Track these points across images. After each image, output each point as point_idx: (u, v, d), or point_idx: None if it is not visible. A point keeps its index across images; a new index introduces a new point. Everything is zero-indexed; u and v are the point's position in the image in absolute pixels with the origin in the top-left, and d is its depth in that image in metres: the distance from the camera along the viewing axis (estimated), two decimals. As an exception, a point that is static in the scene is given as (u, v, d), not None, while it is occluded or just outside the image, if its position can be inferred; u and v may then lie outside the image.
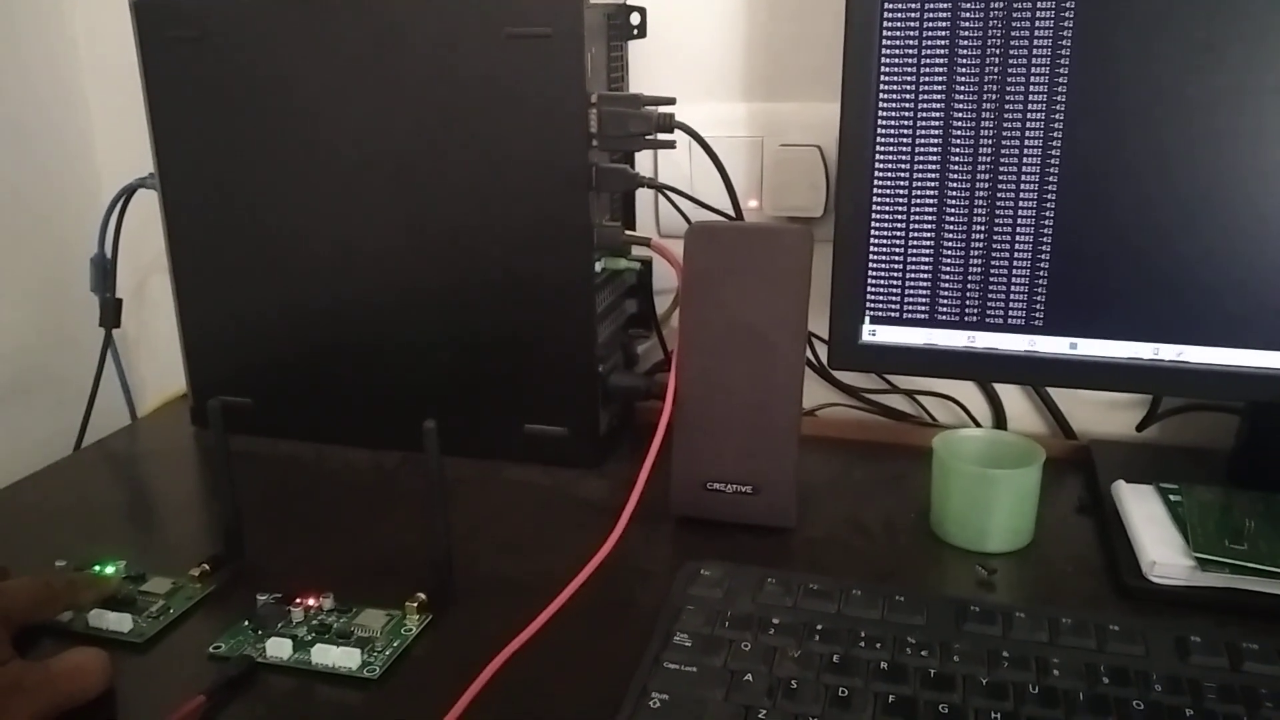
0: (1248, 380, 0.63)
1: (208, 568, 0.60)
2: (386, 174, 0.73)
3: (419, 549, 0.61)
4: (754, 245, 0.64)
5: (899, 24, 0.63)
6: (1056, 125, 0.62)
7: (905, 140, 0.64)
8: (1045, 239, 0.63)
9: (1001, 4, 0.61)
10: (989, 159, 0.63)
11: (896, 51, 0.63)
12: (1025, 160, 0.63)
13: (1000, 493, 0.62)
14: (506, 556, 0.64)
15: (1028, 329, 0.65)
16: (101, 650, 0.51)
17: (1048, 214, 0.63)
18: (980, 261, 0.65)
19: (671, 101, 0.71)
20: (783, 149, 0.80)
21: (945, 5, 0.61)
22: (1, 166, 0.87)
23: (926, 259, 0.66)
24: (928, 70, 0.63)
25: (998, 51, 0.61)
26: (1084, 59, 0.60)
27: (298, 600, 0.57)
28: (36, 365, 0.92)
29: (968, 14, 0.61)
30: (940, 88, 0.63)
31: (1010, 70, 0.61)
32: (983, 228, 0.64)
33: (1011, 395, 0.83)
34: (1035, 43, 0.61)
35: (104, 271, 0.87)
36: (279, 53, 0.72)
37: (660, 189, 0.78)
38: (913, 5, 0.62)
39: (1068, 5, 0.60)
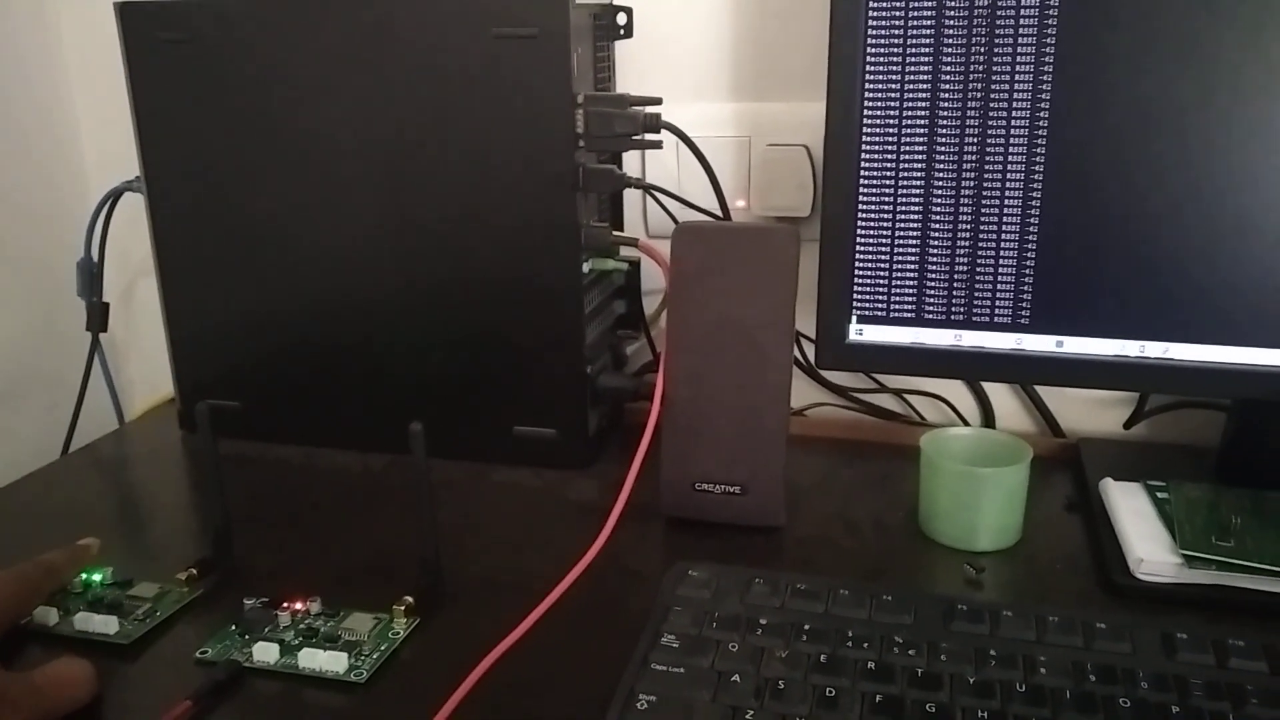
0: (1235, 377, 0.63)
1: (195, 572, 0.60)
2: (373, 176, 0.72)
3: (407, 551, 0.61)
4: (741, 245, 0.64)
5: (884, 24, 0.63)
6: (1041, 123, 0.62)
7: (891, 140, 0.64)
8: (1031, 237, 0.63)
9: (986, 2, 0.61)
10: (974, 158, 0.63)
11: (881, 51, 0.63)
12: (1010, 158, 0.63)
13: (988, 491, 0.62)
14: (495, 558, 0.64)
15: (1014, 327, 0.65)
16: (87, 661, 0.51)
17: (1033, 212, 0.63)
18: (966, 260, 0.65)
19: (658, 102, 0.71)
20: (770, 149, 0.80)
21: (930, 6, 0.62)
22: (-13, 170, 0.87)
23: (913, 258, 0.66)
24: (913, 69, 0.63)
25: (982, 50, 0.61)
26: (1069, 57, 0.60)
27: (285, 604, 0.57)
28: (24, 369, 0.92)
29: (952, 13, 0.61)
30: (925, 87, 0.63)
31: (995, 69, 0.62)
32: (968, 226, 0.64)
33: (999, 393, 0.83)
34: (1020, 41, 0.61)
35: (90, 276, 0.87)
36: (265, 55, 0.72)
37: (648, 189, 0.78)
38: (897, 5, 0.62)
39: (1052, 3, 0.60)
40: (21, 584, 0.56)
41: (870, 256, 0.67)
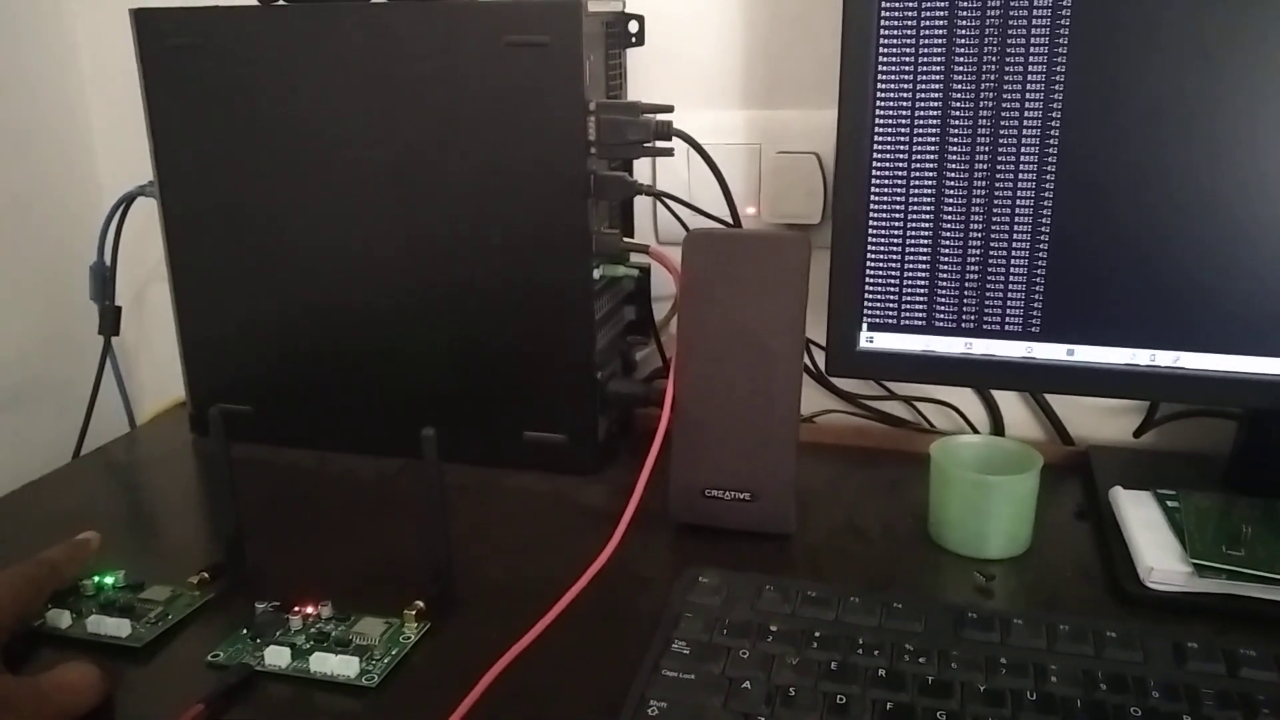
0: (1245, 386, 0.63)
1: (207, 575, 0.60)
2: (386, 182, 0.73)
3: (418, 556, 0.62)
4: (751, 252, 0.64)
5: (895, 31, 0.63)
6: (1053, 132, 0.62)
7: (902, 147, 0.65)
8: (1042, 245, 0.64)
9: (998, 11, 0.61)
10: (985, 165, 0.63)
11: (893, 59, 0.63)
12: (1021, 166, 0.63)
13: (998, 499, 0.62)
14: (505, 563, 0.64)
15: (1024, 335, 0.65)
16: (94, 666, 0.51)
17: (1044, 220, 0.63)
18: (977, 268, 0.65)
19: (669, 109, 0.71)
20: (780, 156, 0.80)
21: (942, 13, 0.62)
22: (2, 173, 0.88)
23: (924, 265, 0.66)
24: (924, 77, 0.63)
25: (994, 58, 0.62)
26: (1080, 66, 0.60)
27: (296, 608, 0.57)
28: (36, 373, 0.92)
29: (964, 21, 0.61)
30: (936, 94, 0.63)
31: (1006, 77, 0.62)
32: (979, 234, 0.65)
33: (1009, 401, 0.83)
34: (1031, 50, 0.61)
35: (103, 279, 0.87)
36: (279, 61, 0.72)
37: (658, 196, 0.78)
38: (909, 13, 0.62)
39: (1064, 13, 0.60)
40: (25, 583, 0.55)
41: (881, 264, 0.67)
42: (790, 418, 0.64)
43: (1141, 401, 0.78)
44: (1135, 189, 0.61)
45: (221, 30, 0.73)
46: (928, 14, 0.62)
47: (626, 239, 0.74)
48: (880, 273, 0.67)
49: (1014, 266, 0.64)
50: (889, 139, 0.65)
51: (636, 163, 0.80)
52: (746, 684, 0.49)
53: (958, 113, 0.63)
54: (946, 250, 0.65)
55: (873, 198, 0.66)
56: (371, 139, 0.72)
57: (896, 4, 0.62)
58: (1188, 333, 0.63)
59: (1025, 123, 0.62)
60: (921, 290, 0.66)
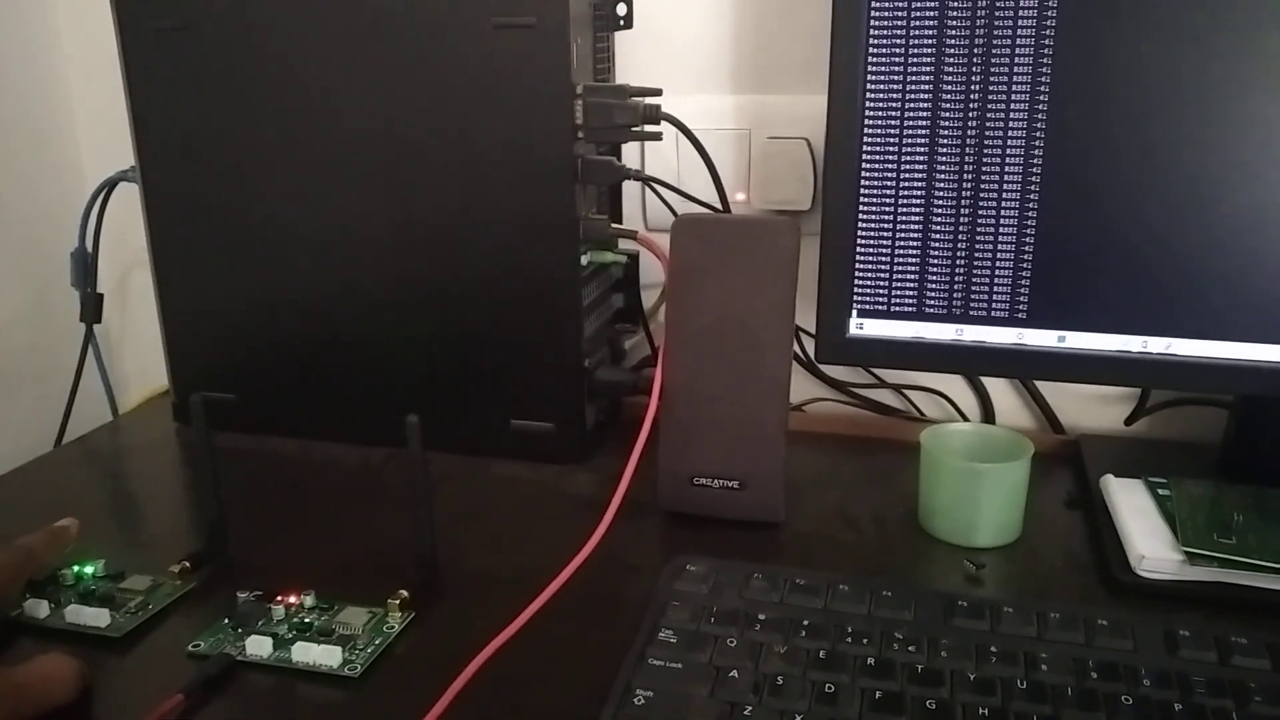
0: (1237, 373, 0.63)
1: (188, 565, 0.60)
2: (371, 167, 0.72)
3: (403, 545, 0.61)
4: (741, 238, 0.63)
5: (886, 16, 0.62)
6: (1040, 117, 0.61)
7: (892, 133, 0.64)
8: (1029, 230, 0.63)
9: (989, -6, 0.60)
10: (975, 151, 0.63)
11: (884, 44, 0.63)
12: (1009, 151, 0.62)
13: (988, 487, 0.62)
14: (491, 552, 0.63)
15: (1013, 322, 0.65)
16: (72, 658, 0.50)
17: (1032, 205, 0.63)
18: (966, 254, 0.64)
19: (658, 93, 0.71)
20: (770, 142, 0.80)
21: (933, -4, 0.61)
22: (-19, 159, 0.87)
23: (914, 251, 0.65)
24: (915, 63, 0.62)
25: (983, 43, 0.61)
26: (1069, 50, 0.60)
27: (278, 598, 0.56)
28: (17, 360, 0.91)
29: (955, 7, 0.61)
30: (927, 80, 0.62)
31: (994, 61, 0.61)
32: (969, 219, 0.64)
33: (1000, 389, 0.82)
34: (1020, 34, 0.60)
35: (85, 266, 0.86)
36: (262, 44, 0.71)
37: (647, 181, 0.78)
38: (900, -4, 0.62)
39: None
40: (0, 569, 0.55)
41: (871, 250, 0.66)
42: (779, 406, 0.63)
43: (1133, 389, 0.78)
44: (1125, 175, 0.61)
45: (203, 12, 0.72)
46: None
47: (614, 225, 0.73)
48: (870, 259, 0.66)
49: (1001, 251, 0.64)
50: (879, 125, 0.64)
51: (625, 147, 0.79)
52: (734, 673, 0.48)
53: (948, 98, 0.62)
54: (937, 236, 0.65)
55: (863, 184, 0.65)
56: (356, 123, 0.71)
57: (887, -14, 0.62)
58: (1180, 319, 0.62)
59: (1013, 106, 0.61)
60: (912, 276, 0.66)
